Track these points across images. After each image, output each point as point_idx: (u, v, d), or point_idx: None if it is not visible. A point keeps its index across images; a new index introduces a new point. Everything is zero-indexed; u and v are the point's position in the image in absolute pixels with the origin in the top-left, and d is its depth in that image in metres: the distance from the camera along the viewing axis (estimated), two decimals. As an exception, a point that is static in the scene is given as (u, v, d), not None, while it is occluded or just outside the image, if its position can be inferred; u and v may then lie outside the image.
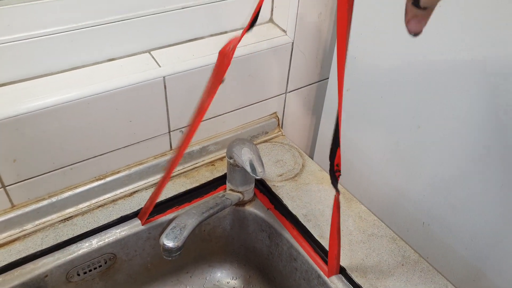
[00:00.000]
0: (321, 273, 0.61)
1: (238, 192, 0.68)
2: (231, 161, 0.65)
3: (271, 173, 0.75)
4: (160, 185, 0.58)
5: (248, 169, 0.60)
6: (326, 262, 0.62)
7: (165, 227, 0.68)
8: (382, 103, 0.70)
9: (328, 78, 0.81)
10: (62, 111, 0.57)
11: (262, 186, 0.73)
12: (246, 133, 0.79)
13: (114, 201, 0.68)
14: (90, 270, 0.65)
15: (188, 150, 0.73)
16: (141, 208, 0.66)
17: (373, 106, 0.72)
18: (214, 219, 0.72)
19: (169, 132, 0.70)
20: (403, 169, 0.71)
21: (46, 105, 0.56)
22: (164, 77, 0.63)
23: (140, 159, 0.70)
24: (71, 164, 0.63)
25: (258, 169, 0.59)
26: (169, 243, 0.48)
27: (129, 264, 0.69)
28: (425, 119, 0.64)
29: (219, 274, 0.79)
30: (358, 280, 0.59)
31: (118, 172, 0.68)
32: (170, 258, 0.49)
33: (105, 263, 0.66)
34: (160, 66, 0.63)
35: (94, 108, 0.59)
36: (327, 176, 0.75)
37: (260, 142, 0.82)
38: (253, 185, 0.70)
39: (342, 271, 0.60)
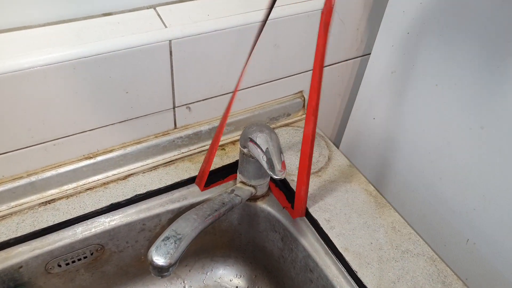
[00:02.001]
0: (342, 293, 0.51)
1: (250, 186, 0.57)
2: (245, 150, 0.54)
3: (290, 165, 0.63)
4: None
5: (265, 165, 0.48)
6: (348, 281, 0.52)
7: (158, 234, 0.58)
8: (436, 92, 0.57)
9: (369, 54, 0.68)
10: (42, 74, 0.46)
11: (278, 180, 0.61)
12: (264, 114, 0.67)
13: (105, 184, 0.58)
14: (73, 262, 0.56)
15: (195, 129, 0.62)
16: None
17: (424, 96, 0.59)
18: (220, 212, 0.62)
19: (173, 108, 0.58)
20: (451, 174, 0.59)
21: (21, 67, 0.45)
22: (170, 40, 0.51)
23: (138, 137, 0.59)
24: (54, 139, 0.53)
25: (277, 167, 0.48)
26: (160, 260, 0.38)
27: (119, 256, 0.60)
28: (490, 119, 0.51)
29: (221, 270, 0.70)
30: (386, 308, 0.49)
31: (111, 151, 0.58)
32: (160, 277, 0.39)
33: (91, 254, 0.57)
34: (166, 27, 0.51)
35: (82, 73, 0.48)
36: (357, 174, 0.63)
37: (280, 126, 0.70)
38: (268, 179, 0.59)
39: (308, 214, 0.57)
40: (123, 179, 0.59)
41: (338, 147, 0.70)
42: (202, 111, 0.62)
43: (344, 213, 0.58)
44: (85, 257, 0.57)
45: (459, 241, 0.60)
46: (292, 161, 0.64)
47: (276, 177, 0.47)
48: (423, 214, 0.65)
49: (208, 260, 0.69)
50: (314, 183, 0.61)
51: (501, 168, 0.51)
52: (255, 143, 0.51)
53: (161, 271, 0.38)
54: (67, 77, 0.48)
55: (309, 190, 0.60)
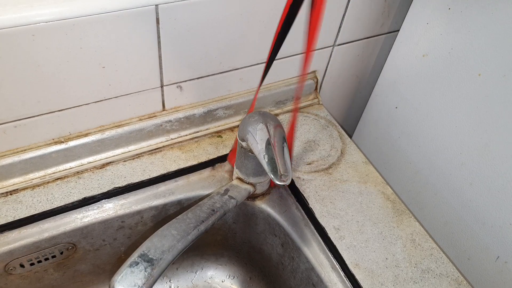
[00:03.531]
0: (349, 316, 0.44)
1: (248, 183, 0.49)
2: (244, 144, 0.45)
3: (297, 159, 0.55)
4: None
5: (266, 166, 0.40)
6: (358, 305, 0.44)
7: (139, 232, 0.50)
8: (477, 83, 0.47)
9: (397, 31, 0.57)
10: (-10, 43, 0.37)
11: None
12: (270, 97, 0.58)
13: (78, 173, 0.50)
14: (39, 262, 0.48)
15: (187, 112, 0.53)
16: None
17: (461, 86, 0.49)
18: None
19: (161, 86, 0.49)
20: (485, 180, 0.50)
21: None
22: (157, 5, 0.41)
23: (118, 119, 0.50)
24: (15, 120, 0.44)
25: (281, 169, 0.39)
26: (123, 294, 0.30)
27: (95, 254, 0.53)
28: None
29: (212, 270, 0.62)
30: None
31: (86, 135, 0.49)
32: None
33: (61, 253, 0.49)
34: (150, -12, 0.41)
35: (43, 42, 0.39)
36: (373, 172, 0.54)
37: (288, 111, 0.60)
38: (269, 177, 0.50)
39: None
40: (100, 168, 0.51)
41: (350, 137, 0.61)
42: (196, 91, 0.52)
43: (356, 221, 0.49)
44: (53, 256, 0.49)
45: (486, 257, 0.52)
46: (299, 154, 0.55)
47: (278, 183, 0.39)
48: (445, 221, 0.57)
49: (198, 257, 0.62)
50: (323, 182, 0.53)
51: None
52: (256, 137, 0.42)
53: (127, 307, 0.30)
54: (24, 45, 0.38)
55: (317, 190, 0.52)
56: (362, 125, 0.66)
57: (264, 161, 0.40)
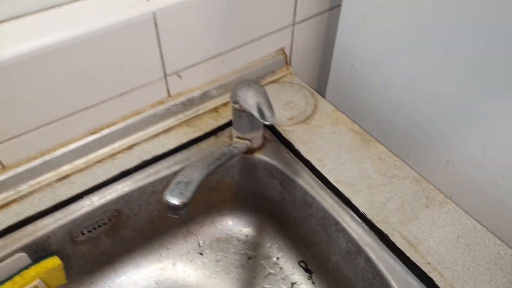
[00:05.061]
0: (339, 219, 0.57)
1: (245, 139, 0.63)
2: (236, 106, 0.58)
3: (280, 117, 0.69)
4: None
5: (256, 114, 0.53)
6: (343, 208, 0.58)
7: (169, 181, 0.63)
8: (404, 30, 0.61)
9: (340, 5, 0.72)
10: (41, 58, 0.50)
11: (271, 132, 0.67)
12: (250, 74, 0.72)
13: (112, 155, 0.63)
14: (94, 228, 0.61)
15: (188, 96, 0.67)
16: None
17: (394, 35, 0.63)
18: (222, 168, 0.67)
19: (165, 76, 0.63)
20: (425, 104, 0.64)
21: (21, 53, 0.49)
22: (154, 13, 0.55)
23: (136, 108, 0.64)
24: (60, 119, 0.57)
25: (267, 113, 0.53)
26: (174, 200, 0.43)
27: (134, 219, 0.66)
28: (453, 46, 0.56)
29: (230, 223, 0.76)
30: (380, 225, 0.55)
31: (113, 124, 0.62)
32: (177, 216, 0.44)
33: (109, 220, 0.62)
34: (149, 1, 0.55)
35: (78, 53, 0.52)
36: (342, 117, 0.68)
37: (267, 83, 0.74)
38: (261, 131, 0.64)
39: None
40: (129, 149, 0.64)
41: (324, 97, 0.75)
42: (192, 77, 0.66)
43: (333, 152, 0.63)
44: (104, 223, 0.62)
45: (440, 164, 0.66)
46: (281, 113, 0.69)
47: (266, 123, 0.53)
48: (407, 145, 0.71)
49: (217, 215, 0.75)
50: (303, 130, 0.66)
51: (468, 92, 0.57)
52: (245, 96, 0.55)
53: (176, 210, 0.43)
54: (64, 58, 0.52)
55: (300, 136, 0.65)
56: (330, 85, 0.81)
57: (254, 111, 0.54)
